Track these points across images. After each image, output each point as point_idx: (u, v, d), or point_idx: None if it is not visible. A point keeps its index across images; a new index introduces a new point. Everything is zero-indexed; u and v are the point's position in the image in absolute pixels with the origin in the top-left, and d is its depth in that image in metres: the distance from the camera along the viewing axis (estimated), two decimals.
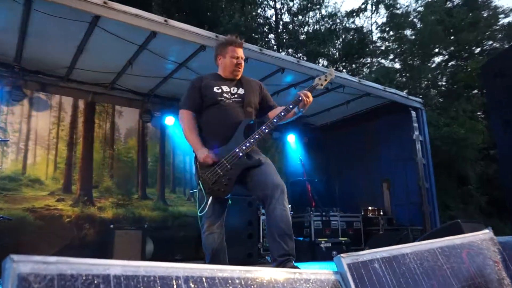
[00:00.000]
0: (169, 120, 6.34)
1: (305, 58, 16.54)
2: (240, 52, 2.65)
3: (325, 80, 2.63)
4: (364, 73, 17.60)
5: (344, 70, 17.87)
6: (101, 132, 6.01)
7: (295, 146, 7.97)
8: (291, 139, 7.95)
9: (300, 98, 2.46)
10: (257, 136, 2.44)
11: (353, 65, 18.09)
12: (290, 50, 17.24)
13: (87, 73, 5.41)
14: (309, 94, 2.46)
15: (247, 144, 2.42)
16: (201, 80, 2.61)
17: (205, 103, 2.56)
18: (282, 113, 2.46)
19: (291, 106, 2.48)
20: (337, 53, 18.01)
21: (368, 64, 18.17)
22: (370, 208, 6.96)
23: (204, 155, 2.43)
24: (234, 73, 2.62)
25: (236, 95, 2.58)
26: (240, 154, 2.40)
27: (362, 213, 6.90)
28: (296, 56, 16.88)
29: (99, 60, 5.09)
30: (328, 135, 8.33)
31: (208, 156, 2.42)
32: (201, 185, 2.44)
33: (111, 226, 5.04)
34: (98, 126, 6.00)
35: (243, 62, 2.66)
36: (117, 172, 6.02)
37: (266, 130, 2.46)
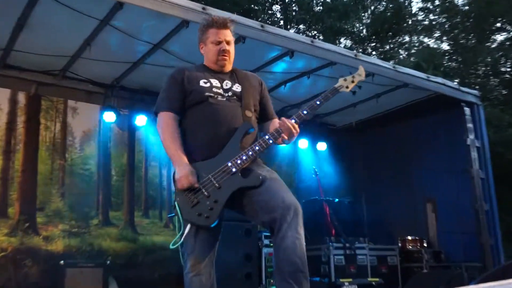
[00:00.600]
0: (140, 120, 6.36)
1: (321, 37, 16.60)
2: (225, 35, 2.66)
3: (352, 81, 2.66)
4: (400, 57, 17.65)
5: (373, 53, 17.93)
6: (49, 135, 6.01)
7: (309, 155, 7.97)
8: (303, 144, 7.96)
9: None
10: (257, 148, 2.45)
11: (386, 46, 18.17)
12: (301, 27, 17.32)
13: (30, 56, 5.40)
14: (293, 124, 2.48)
15: (244, 158, 2.42)
16: (183, 72, 2.63)
17: (190, 101, 2.57)
18: (270, 140, 2.47)
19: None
20: (364, 30, 18.10)
21: (406, 45, 18.24)
22: (409, 237, 6.95)
23: (182, 173, 2.42)
24: (219, 63, 2.66)
25: (230, 92, 2.60)
26: (234, 169, 2.41)
27: (399, 244, 6.88)
28: (310, 34, 16.94)
29: (46, 40, 5.09)
30: (353, 140, 8.29)
31: (186, 177, 2.41)
32: (177, 208, 2.43)
33: (62, 262, 5.02)
34: (45, 128, 6.00)
35: (230, 48, 2.67)
36: (70, 190, 6.00)
37: (271, 141, 2.48)
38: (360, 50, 17.98)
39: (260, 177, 2.40)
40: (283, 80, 6.30)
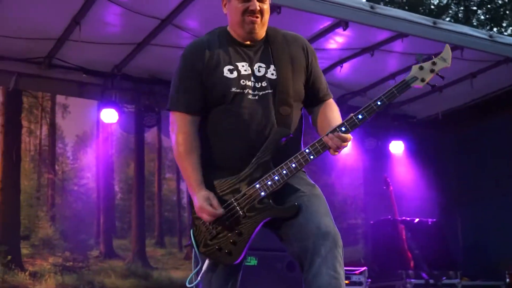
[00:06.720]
0: (150, 118, 6.45)
1: None
2: None
3: (432, 70, 2.55)
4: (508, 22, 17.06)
5: (479, 11, 17.34)
6: (34, 142, 6.19)
7: (379, 159, 7.90)
8: (371, 145, 7.85)
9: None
10: (293, 166, 2.47)
11: (499, 1, 17.55)
12: None
13: (5, 41, 5.61)
14: (344, 139, 2.44)
15: (276, 178, 2.46)
16: (202, 53, 2.60)
17: (210, 99, 2.59)
18: (311, 155, 2.47)
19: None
20: None
21: None
22: None
23: (200, 202, 2.48)
24: (246, 28, 2.57)
25: (264, 82, 2.58)
26: (263, 193, 2.46)
27: (507, 280, 6.70)
28: None
29: (25, 19, 5.29)
30: (440, 137, 8.20)
31: (206, 207, 2.46)
32: (193, 240, 2.53)
33: None
34: (28, 132, 6.18)
35: (264, 7, 2.56)
36: (63, 212, 6.14)
37: (312, 157, 2.48)
38: (462, 8, 17.62)
39: (297, 204, 2.45)
40: (339, 59, 6.30)
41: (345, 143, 2.44)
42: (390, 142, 7.99)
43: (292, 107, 2.59)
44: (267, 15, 2.59)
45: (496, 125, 7.62)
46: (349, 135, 2.45)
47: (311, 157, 2.47)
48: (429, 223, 7.12)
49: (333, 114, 2.65)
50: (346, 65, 6.39)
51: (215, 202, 2.46)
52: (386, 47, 5.98)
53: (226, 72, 2.55)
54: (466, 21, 16.53)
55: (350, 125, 2.45)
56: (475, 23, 17.06)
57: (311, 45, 5.31)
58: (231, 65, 2.57)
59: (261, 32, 2.63)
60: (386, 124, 7.89)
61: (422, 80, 2.53)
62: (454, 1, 18.04)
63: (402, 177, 7.80)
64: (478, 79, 6.80)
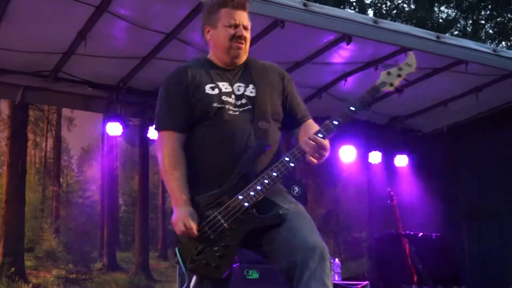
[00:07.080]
0: (155, 132, 6.43)
1: (412, 7, 16.12)
2: (243, 17, 2.71)
3: (399, 75, 2.65)
4: None
5: (487, 26, 17.33)
6: (39, 154, 6.27)
7: (383, 173, 7.90)
8: (375, 159, 7.88)
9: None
10: (274, 174, 2.52)
11: (509, 15, 17.55)
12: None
13: (12, 55, 5.68)
14: (321, 143, 2.51)
15: (258, 188, 2.50)
16: (185, 73, 2.71)
17: (194, 115, 2.65)
18: (290, 163, 2.53)
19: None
20: None
21: None
22: None
23: (178, 216, 2.51)
24: (232, 53, 2.71)
25: (244, 99, 2.68)
26: (246, 204, 2.49)
27: None
28: (383, 9, 16.54)
29: (31, 33, 5.37)
30: (445, 151, 8.16)
31: (182, 220, 2.49)
32: (178, 256, 2.57)
33: None
34: (34, 145, 6.26)
35: (247, 35, 2.72)
36: (67, 224, 6.20)
37: (292, 164, 2.54)
38: (470, 21, 17.60)
39: (281, 212, 2.49)
40: (343, 73, 6.32)
41: (324, 150, 2.52)
42: (395, 156, 7.98)
43: (270, 123, 2.67)
44: (248, 44, 2.75)
45: (501, 139, 7.57)
46: (325, 141, 2.52)
47: (291, 164, 2.53)
48: (433, 237, 7.08)
49: (314, 130, 2.68)
50: (350, 79, 6.40)
51: (195, 223, 2.49)
52: (390, 61, 5.95)
53: (208, 90, 2.65)
54: (474, 35, 16.49)
55: (326, 131, 2.53)
56: (483, 37, 17.02)
57: (316, 58, 5.32)
58: (213, 83, 2.68)
59: (243, 58, 2.76)
60: (391, 138, 7.91)
61: (391, 84, 2.64)
62: (463, 15, 18.05)
63: (407, 191, 7.76)
64: (483, 93, 6.79)
